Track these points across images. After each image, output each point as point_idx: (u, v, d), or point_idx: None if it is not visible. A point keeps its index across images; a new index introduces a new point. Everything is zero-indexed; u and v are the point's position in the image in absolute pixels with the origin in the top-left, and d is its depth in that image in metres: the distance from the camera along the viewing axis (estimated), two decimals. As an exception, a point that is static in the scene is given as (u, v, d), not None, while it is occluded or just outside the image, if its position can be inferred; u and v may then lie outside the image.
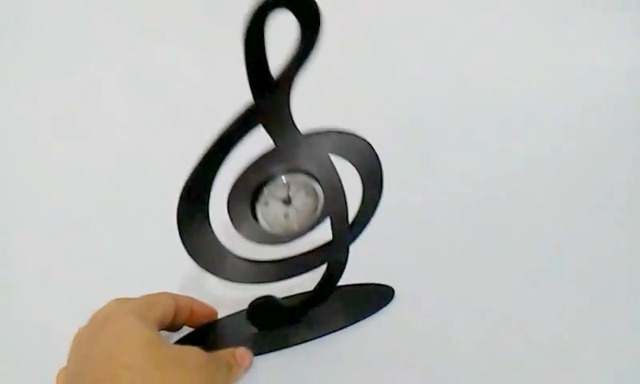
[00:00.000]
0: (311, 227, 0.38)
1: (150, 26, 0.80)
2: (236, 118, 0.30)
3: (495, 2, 0.90)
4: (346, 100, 0.49)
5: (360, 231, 0.41)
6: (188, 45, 0.79)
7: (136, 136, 0.70)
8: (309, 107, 0.34)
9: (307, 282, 0.43)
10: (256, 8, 0.26)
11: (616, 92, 0.82)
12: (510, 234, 0.55)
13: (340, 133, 0.35)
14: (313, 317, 0.43)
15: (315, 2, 0.28)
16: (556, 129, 0.75)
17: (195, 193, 0.33)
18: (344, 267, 0.42)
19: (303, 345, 0.42)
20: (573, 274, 0.49)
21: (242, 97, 0.31)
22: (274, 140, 0.33)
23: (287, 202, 0.36)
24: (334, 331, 0.43)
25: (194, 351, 0.35)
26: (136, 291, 0.38)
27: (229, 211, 0.35)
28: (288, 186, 0.35)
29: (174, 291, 0.45)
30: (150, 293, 0.39)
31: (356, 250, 0.42)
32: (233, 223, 0.36)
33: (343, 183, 0.37)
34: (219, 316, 0.44)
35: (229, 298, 0.45)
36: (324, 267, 0.42)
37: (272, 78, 0.30)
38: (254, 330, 0.42)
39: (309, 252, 0.40)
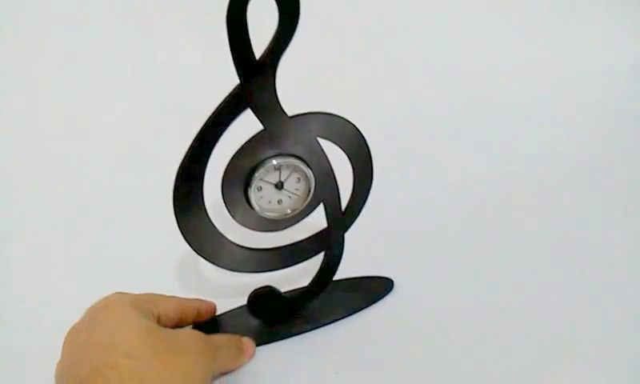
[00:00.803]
0: (305, 212, 0.39)
1: (151, 22, 0.81)
2: (225, 99, 0.32)
3: (495, 2, 0.91)
4: (345, 99, 0.50)
5: (354, 217, 0.41)
6: (188, 42, 0.80)
7: (136, 134, 0.71)
8: (309, 107, 0.36)
9: (305, 278, 0.43)
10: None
11: (617, 90, 0.82)
12: (510, 227, 0.55)
13: (327, 115, 0.36)
14: (312, 308, 0.43)
15: None
16: (556, 127, 0.75)
17: (190, 175, 0.34)
18: (340, 256, 0.42)
19: (303, 335, 0.42)
20: (572, 270, 0.49)
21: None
22: (261, 122, 0.34)
23: (279, 186, 0.37)
24: (334, 322, 0.43)
25: (194, 335, 0.35)
26: (136, 290, 0.38)
27: (223, 196, 0.36)
28: (279, 171, 0.36)
29: (174, 289, 0.45)
30: (156, 292, 0.39)
31: (356, 243, 0.42)
32: (228, 209, 0.36)
33: (335, 170, 0.38)
34: (217, 309, 0.44)
35: (227, 292, 0.46)
36: (321, 262, 0.42)
37: (257, 60, 0.31)
38: (255, 321, 0.43)
39: (305, 239, 0.41)
